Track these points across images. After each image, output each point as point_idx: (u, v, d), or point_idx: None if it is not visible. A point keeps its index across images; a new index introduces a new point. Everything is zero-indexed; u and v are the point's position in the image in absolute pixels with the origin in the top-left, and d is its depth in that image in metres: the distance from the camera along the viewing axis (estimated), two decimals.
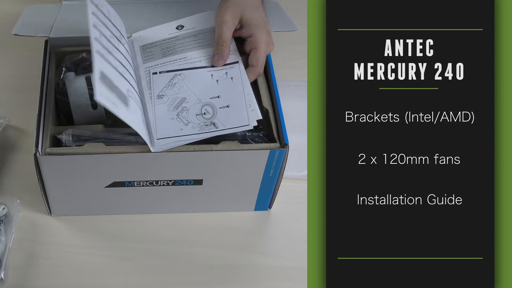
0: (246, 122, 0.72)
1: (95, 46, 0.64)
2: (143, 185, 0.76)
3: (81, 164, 0.72)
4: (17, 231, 0.79)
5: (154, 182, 0.76)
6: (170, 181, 0.76)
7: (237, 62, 0.78)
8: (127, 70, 0.74)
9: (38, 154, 0.70)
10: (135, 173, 0.74)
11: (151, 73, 0.78)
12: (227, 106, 0.74)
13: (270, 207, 0.83)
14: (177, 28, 0.83)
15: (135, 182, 0.76)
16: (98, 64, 0.63)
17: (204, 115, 0.73)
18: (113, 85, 0.65)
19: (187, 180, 0.76)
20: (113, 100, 0.64)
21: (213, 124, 0.73)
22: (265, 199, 0.81)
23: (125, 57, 0.75)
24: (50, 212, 0.80)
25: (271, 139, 0.76)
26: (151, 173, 0.75)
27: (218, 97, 0.75)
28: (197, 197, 0.79)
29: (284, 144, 0.73)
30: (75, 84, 0.79)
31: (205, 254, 0.79)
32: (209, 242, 0.80)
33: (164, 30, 0.83)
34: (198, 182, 0.76)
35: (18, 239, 0.78)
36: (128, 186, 0.76)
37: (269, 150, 0.73)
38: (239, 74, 0.77)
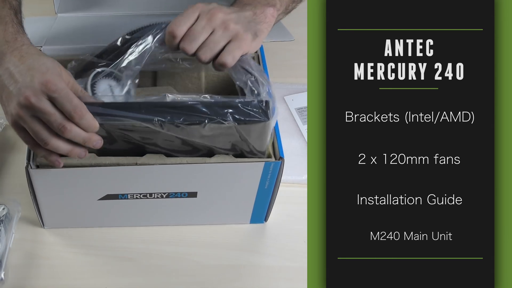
0: None
1: None
2: (136, 198, 0.75)
3: (73, 177, 0.71)
4: (17, 231, 0.79)
5: (148, 195, 0.75)
6: (164, 193, 0.75)
7: None
8: None
9: (29, 168, 0.69)
10: (128, 186, 0.73)
11: None
12: None
13: (266, 219, 0.82)
14: None
15: (129, 195, 0.75)
16: None
17: None
18: None
19: (181, 193, 0.75)
20: None
21: None
22: (261, 212, 0.80)
23: None
24: (43, 225, 0.79)
25: None
26: (144, 186, 0.73)
27: None
28: (191, 210, 0.78)
29: (279, 157, 0.72)
30: None
31: (205, 254, 0.79)
32: (209, 242, 0.80)
33: None
34: (193, 194, 0.75)
35: (18, 239, 0.78)
36: (121, 198, 0.75)
37: (263, 163, 0.71)
38: None
